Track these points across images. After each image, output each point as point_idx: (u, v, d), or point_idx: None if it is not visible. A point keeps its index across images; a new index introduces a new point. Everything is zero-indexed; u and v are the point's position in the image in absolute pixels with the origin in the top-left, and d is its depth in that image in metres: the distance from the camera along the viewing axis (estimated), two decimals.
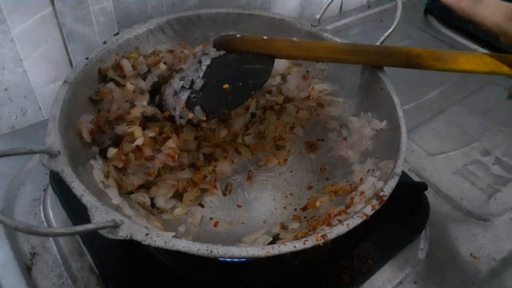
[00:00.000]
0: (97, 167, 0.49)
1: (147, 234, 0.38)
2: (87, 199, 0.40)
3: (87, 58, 0.55)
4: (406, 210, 0.60)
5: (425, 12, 1.06)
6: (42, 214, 0.58)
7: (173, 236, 0.40)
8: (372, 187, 0.49)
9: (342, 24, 0.99)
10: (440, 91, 0.84)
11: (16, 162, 0.63)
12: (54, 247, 0.54)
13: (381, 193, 0.44)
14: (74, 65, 0.70)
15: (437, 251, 0.57)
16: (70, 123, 0.50)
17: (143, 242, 0.38)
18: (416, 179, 0.66)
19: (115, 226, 0.38)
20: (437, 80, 0.85)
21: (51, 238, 0.55)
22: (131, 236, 0.38)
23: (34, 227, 0.32)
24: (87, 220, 0.39)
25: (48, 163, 0.43)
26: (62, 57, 0.69)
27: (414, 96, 0.81)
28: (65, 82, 0.51)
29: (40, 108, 0.71)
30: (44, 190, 0.61)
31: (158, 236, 0.38)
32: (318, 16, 0.64)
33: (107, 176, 0.50)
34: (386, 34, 0.60)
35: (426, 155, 0.70)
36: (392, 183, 0.45)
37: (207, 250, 0.38)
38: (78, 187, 0.41)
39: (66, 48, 0.69)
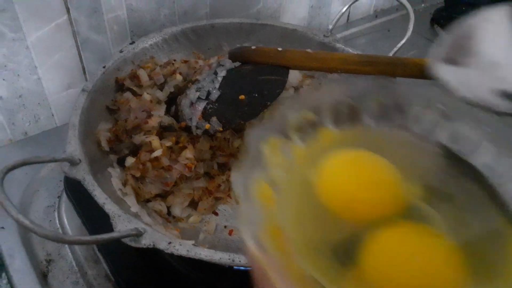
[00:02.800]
0: (115, 175, 0.50)
1: (169, 243, 0.39)
2: (109, 207, 0.41)
3: (104, 67, 0.56)
4: None
5: (431, 22, 1.06)
6: (57, 221, 0.58)
7: (193, 245, 0.41)
8: None
9: (350, 34, 1.00)
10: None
11: (30, 169, 0.63)
12: (70, 254, 0.54)
13: None
14: (87, 72, 0.71)
15: None
16: (88, 131, 0.50)
17: (165, 251, 0.38)
18: None
19: (138, 234, 0.39)
20: None
21: (66, 245, 0.55)
22: (154, 245, 0.38)
23: (62, 236, 0.33)
24: (102, 227, 0.39)
25: (70, 171, 0.44)
26: (75, 64, 0.70)
27: None
28: (83, 90, 0.52)
29: (52, 115, 0.72)
30: (58, 197, 0.61)
31: (180, 245, 0.39)
32: (330, 27, 0.65)
33: (124, 184, 0.51)
34: (398, 45, 0.61)
35: None
36: None
37: (229, 259, 0.38)
38: (100, 196, 0.42)
39: (80, 56, 0.69)
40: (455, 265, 0.22)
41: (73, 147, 0.45)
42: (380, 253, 0.23)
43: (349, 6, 0.66)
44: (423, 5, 1.13)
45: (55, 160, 0.42)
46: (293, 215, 0.24)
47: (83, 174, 0.43)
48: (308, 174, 0.25)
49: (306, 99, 0.28)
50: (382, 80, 0.27)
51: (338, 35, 0.96)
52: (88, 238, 0.35)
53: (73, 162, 0.44)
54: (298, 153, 0.26)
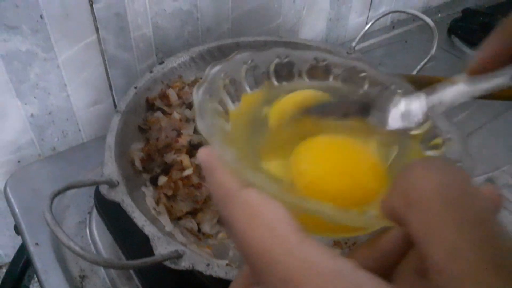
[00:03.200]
0: (149, 194, 0.51)
1: (208, 265, 0.40)
2: (149, 229, 0.42)
3: (135, 87, 0.57)
4: None
5: (448, 32, 1.07)
6: (89, 237, 0.59)
7: (227, 264, 0.42)
8: None
9: (368, 45, 1.01)
10: (468, 113, 0.85)
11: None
12: (102, 270, 0.56)
13: None
14: (113, 89, 0.72)
15: None
16: (122, 152, 0.52)
17: (204, 273, 0.39)
18: None
19: (178, 256, 0.40)
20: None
21: None
22: (193, 267, 0.40)
23: (111, 261, 0.34)
24: (134, 243, 0.41)
25: (108, 193, 0.45)
26: (103, 81, 0.71)
27: None
28: (117, 111, 0.54)
29: (79, 130, 0.74)
30: (89, 212, 0.62)
31: (218, 267, 0.40)
32: (353, 44, 0.66)
33: (157, 202, 0.52)
34: (422, 63, 0.62)
35: None
36: None
37: None
38: (139, 217, 0.43)
39: (107, 73, 0.71)
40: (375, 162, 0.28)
41: (110, 169, 0.46)
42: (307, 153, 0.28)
43: (373, 23, 0.67)
44: (439, 15, 1.13)
45: (95, 183, 0.44)
46: (241, 131, 0.30)
47: (121, 196, 0.44)
48: (260, 108, 0.32)
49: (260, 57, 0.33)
50: (317, 52, 0.35)
51: (356, 47, 0.98)
52: (135, 262, 0.36)
53: (111, 185, 0.45)
54: (244, 97, 0.32)
